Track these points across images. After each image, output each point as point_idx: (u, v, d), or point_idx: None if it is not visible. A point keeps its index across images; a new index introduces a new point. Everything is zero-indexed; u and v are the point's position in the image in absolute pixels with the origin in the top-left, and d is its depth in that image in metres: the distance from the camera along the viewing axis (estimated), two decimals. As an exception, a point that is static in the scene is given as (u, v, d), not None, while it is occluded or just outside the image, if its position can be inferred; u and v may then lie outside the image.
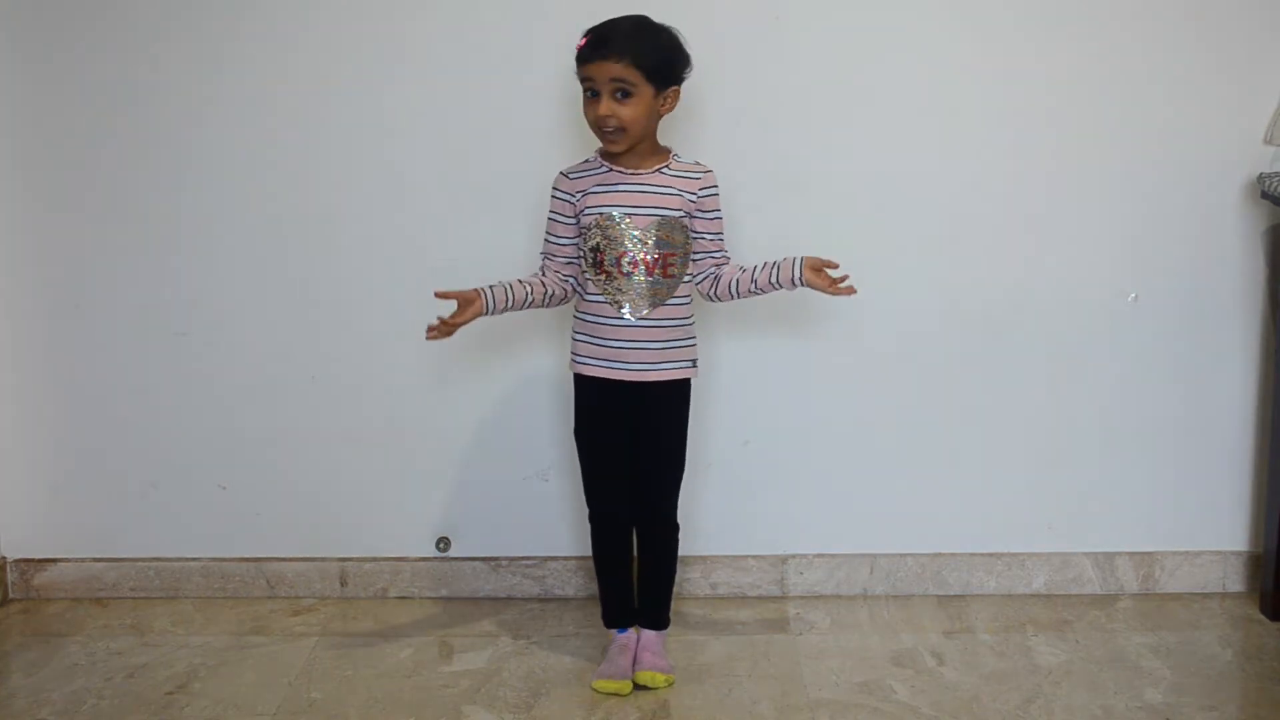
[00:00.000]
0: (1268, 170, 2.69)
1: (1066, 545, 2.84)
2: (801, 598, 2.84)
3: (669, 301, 2.39)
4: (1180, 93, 2.70)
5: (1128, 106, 2.70)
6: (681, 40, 2.36)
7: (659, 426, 2.43)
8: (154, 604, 2.84)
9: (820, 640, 2.65)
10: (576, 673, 2.51)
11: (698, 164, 2.43)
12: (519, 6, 2.67)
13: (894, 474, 2.82)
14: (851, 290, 2.39)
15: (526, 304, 2.41)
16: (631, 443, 2.44)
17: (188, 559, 2.86)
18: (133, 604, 2.84)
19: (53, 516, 2.86)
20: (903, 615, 2.76)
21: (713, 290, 2.46)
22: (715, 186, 2.41)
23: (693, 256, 2.43)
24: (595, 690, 2.43)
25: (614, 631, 2.53)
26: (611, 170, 2.39)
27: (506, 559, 2.85)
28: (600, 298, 2.39)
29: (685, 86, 2.38)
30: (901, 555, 2.84)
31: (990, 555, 2.84)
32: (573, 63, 2.34)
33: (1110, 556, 2.84)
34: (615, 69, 2.28)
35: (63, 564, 2.86)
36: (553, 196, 2.43)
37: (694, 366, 2.45)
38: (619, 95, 2.29)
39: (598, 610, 2.58)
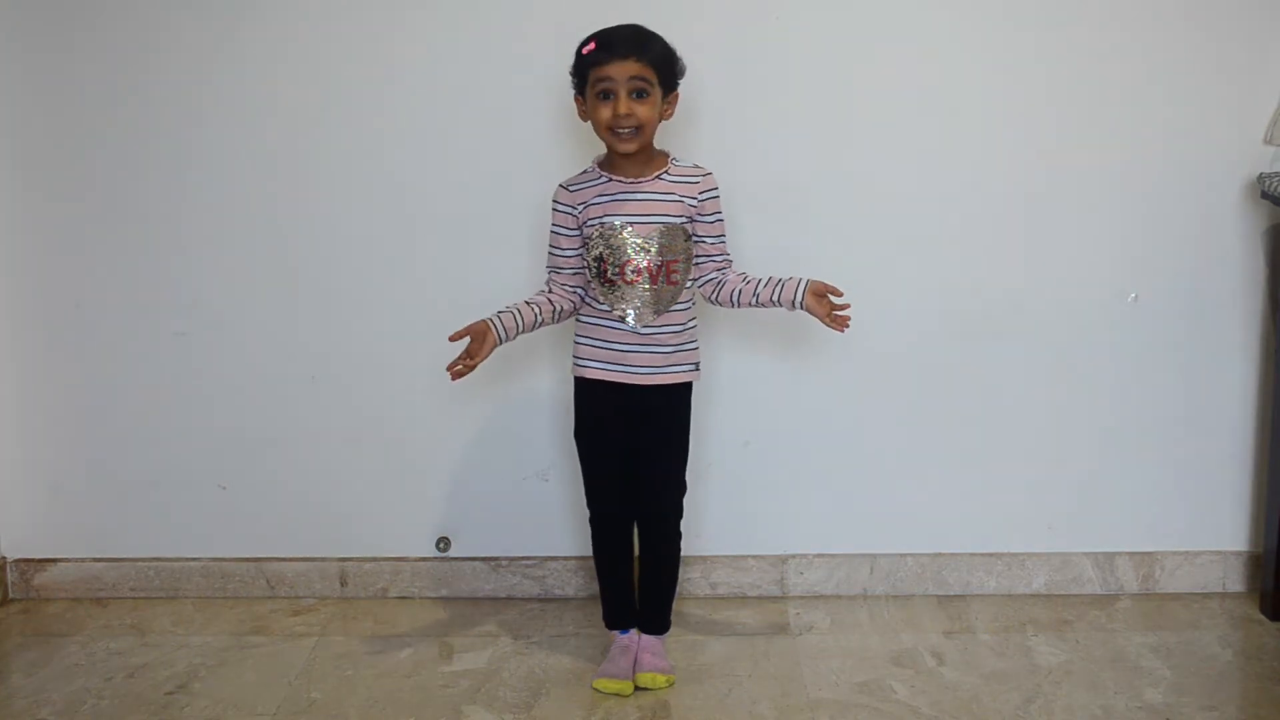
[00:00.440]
0: (1268, 170, 2.69)
1: (1066, 545, 2.84)
2: (801, 598, 2.84)
3: (673, 307, 2.39)
4: (1180, 93, 2.70)
5: (1128, 107, 2.70)
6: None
7: (661, 430, 2.43)
8: (154, 604, 2.84)
9: (820, 640, 2.65)
10: (576, 673, 2.51)
11: (697, 167, 2.42)
12: (519, 6, 2.67)
13: (894, 474, 2.82)
14: (846, 322, 2.37)
15: (536, 325, 2.40)
16: (633, 446, 2.43)
17: (188, 559, 2.86)
18: (133, 604, 2.84)
19: (53, 516, 2.86)
20: (903, 615, 2.76)
21: (715, 295, 2.45)
22: (715, 189, 2.41)
23: (694, 260, 2.43)
24: (596, 690, 2.43)
25: (615, 632, 2.54)
26: (611, 180, 2.38)
27: (506, 559, 2.85)
28: (604, 305, 2.39)
29: (683, 87, 2.38)
30: (901, 555, 2.84)
31: (990, 555, 2.84)
32: (571, 65, 2.34)
33: (1110, 556, 2.84)
34: (634, 68, 2.28)
35: (63, 564, 2.87)
36: (554, 210, 2.42)
37: (696, 370, 2.45)
38: (636, 95, 2.29)
39: (598, 610, 2.58)
